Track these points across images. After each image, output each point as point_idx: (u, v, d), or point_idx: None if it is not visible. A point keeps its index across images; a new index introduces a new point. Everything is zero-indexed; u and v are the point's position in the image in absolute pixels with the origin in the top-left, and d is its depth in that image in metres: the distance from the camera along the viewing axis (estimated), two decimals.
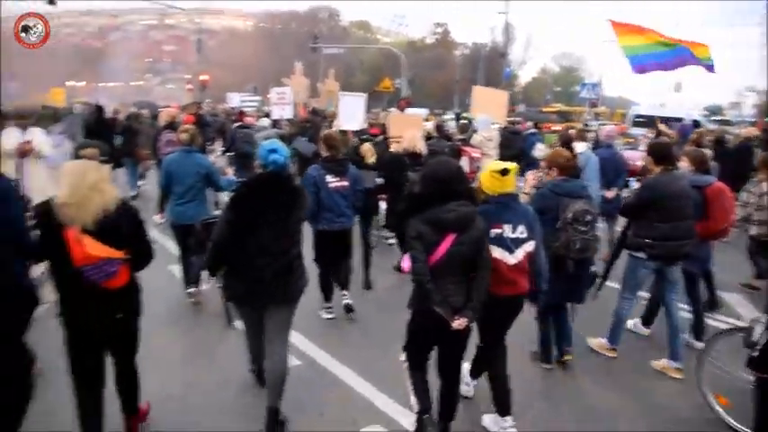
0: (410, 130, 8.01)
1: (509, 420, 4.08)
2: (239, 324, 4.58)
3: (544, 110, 36.88)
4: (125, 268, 3.31)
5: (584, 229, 4.59)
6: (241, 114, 12.43)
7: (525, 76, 66.57)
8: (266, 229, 3.76)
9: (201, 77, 32.49)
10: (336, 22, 63.72)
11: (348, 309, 6.19)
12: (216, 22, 78.88)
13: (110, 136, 11.03)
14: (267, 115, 14.26)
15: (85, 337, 3.41)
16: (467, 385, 4.52)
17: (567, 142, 7.78)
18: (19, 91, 42.62)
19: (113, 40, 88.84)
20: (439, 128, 11.82)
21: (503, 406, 4.10)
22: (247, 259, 3.79)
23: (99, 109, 12.91)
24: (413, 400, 3.85)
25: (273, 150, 3.88)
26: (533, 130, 13.84)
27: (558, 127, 22.14)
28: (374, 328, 6.01)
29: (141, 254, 3.45)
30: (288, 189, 3.91)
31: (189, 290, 6.40)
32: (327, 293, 6.12)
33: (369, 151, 7.58)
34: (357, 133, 9.31)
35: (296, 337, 5.26)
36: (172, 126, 9.51)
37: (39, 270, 3.68)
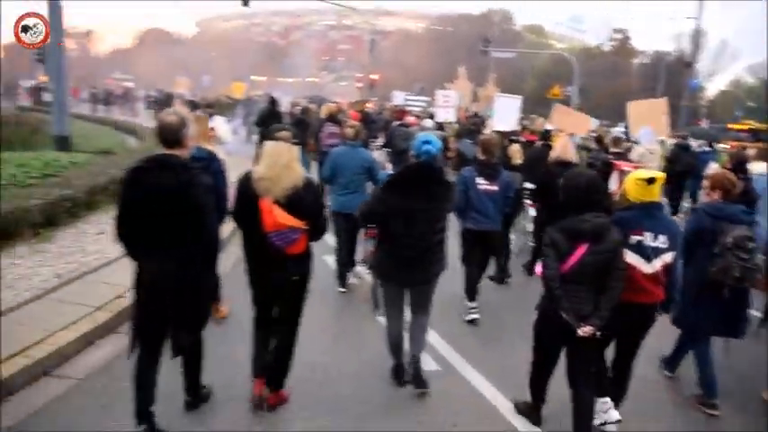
0: (573, 128, 7.81)
1: (609, 402, 4.01)
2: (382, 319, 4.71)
3: (732, 127, 33.25)
4: (304, 237, 3.79)
5: (745, 257, 4.21)
6: (402, 113, 12.70)
7: (713, 88, 60.62)
8: (414, 213, 4.08)
9: (372, 76, 33.62)
10: (509, 25, 62.65)
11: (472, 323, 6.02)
12: (390, 23, 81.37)
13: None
14: (431, 116, 14.57)
15: (265, 292, 3.96)
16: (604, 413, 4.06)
17: (740, 162, 7.19)
18: (210, 83, 47.28)
19: (295, 39, 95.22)
20: (599, 140, 11.20)
21: (602, 387, 4.00)
22: (395, 239, 4.16)
23: (272, 101, 14.13)
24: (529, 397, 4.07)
25: (427, 142, 4.22)
26: (707, 148, 13.16)
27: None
28: (511, 329, 5.80)
29: (318, 227, 3.89)
30: (437, 179, 4.21)
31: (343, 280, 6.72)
32: (471, 294, 6.04)
33: (516, 152, 7.63)
34: (508, 134, 9.33)
35: (434, 338, 5.26)
36: (333, 119, 10.12)
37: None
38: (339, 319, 6.04)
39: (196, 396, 3.96)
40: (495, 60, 42.14)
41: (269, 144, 3.79)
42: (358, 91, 44.27)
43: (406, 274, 4.27)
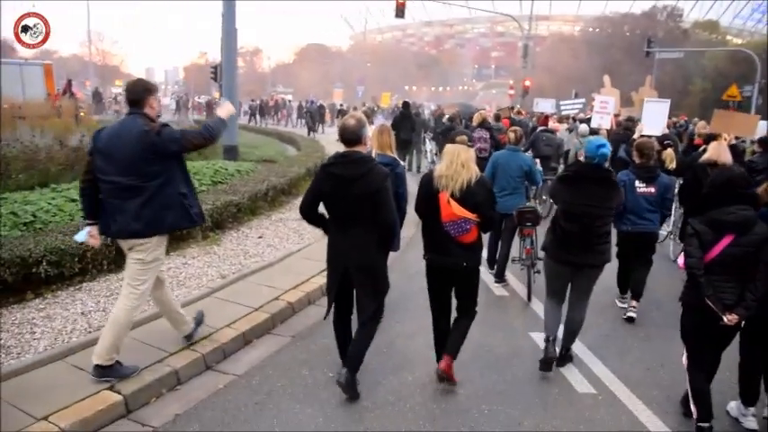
0: (737, 131, 8.27)
1: (751, 410, 4.09)
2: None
3: None
4: (475, 228, 4.22)
5: None
6: (545, 119, 12.91)
7: None
8: (581, 205, 4.57)
9: (525, 83, 32.85)
10: (676, 23, 57.86)
11: (629, 320, 6.10)
12: (544, 28, 79.03)
13: (410, 129, 14.80)
14: (584, 121, 14.54)
15: (440, 277, 4.41)
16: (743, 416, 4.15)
17: None
18: (364, 94, 49.11)
19: (447, 48, 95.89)
20: (765, 143, 10.00)
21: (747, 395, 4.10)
22: (562, 226, 4.67)
23: (405, 105, 15.90)
24: (692, 407, 3.88)
25: (602, 145, 4.67)
26: None
27: None
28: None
29: (488, 219, 4.31)
30: (607, 180, 4.70)
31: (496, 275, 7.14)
32: (624, 288, 6.45)
33: (669, 156, 7.71)
34: (659, 138, 9.07)
35: (582, 352, 5.09)
36: (483, 126, 10.76)
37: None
38: (489, 310, 6.11)
39: (352, 371, 4.23)
40: (660, 61, 39.26)
41: (449, 146, 4.33)
42: (509, 98, 43.50)
43: (573, 256, 4.66)
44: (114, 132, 4.07)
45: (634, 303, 6.13)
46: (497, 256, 7.16)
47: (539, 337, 5.28)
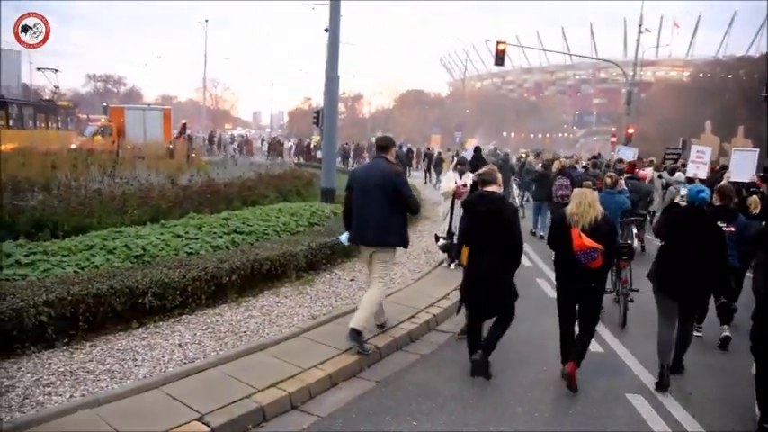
0: None
1: None
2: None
3: None
4: (601, 256, 5.09)
5: None
6: (632, 166, 13.37)
7: None
8: (689, 245, 5.33)
9: (629, 130, 31.72)
10: None
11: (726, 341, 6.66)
12: (650, 74, 76.50)
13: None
14: (675, 170, 15.00)
15: (570, 296, 5.37)
16: None
17: None
18: (462, 139, 49.29)
19: (547, 95, 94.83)
20: None
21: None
22: (673, 263, 5.41)
23: (477, 149, 16.52)
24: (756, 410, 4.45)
25: (702, 191, 5.53)
26: None
27: None
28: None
29: (613, 249, 5.30)
30: (710, 224, 5.45)
31: None
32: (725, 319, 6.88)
33: (753, 202, 8.07)
34: (746, 185, 9.76)
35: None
36: (563, 173, 11.33)
37: None
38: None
39: (487, 353, 5.41)
40: None
41: (577, 190, 5.53)
42: (612, 145, 42.15)
43: (682, 291, 5.38)
44: (366, 170, 6.06)
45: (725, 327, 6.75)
46: None
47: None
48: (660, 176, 13.57)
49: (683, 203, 6.11)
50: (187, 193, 11.32)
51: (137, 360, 5.02)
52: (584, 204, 5.20)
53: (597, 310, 5.42)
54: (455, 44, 74.43)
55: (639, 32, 32.85)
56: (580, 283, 5.22)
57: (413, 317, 6.79)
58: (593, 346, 5.91)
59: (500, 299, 5.34)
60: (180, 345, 5.42)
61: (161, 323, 5.92)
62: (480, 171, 5.55)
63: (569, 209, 5.26)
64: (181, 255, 7.27)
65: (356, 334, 5.52)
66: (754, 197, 8.22)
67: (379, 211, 5.67)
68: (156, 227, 8.52)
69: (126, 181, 11.87)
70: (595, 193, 5.39)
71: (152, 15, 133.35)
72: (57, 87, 32.95)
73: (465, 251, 5.50)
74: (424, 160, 31.25)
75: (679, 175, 13.18)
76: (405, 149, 33.32)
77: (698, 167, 13.65)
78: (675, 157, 19.54)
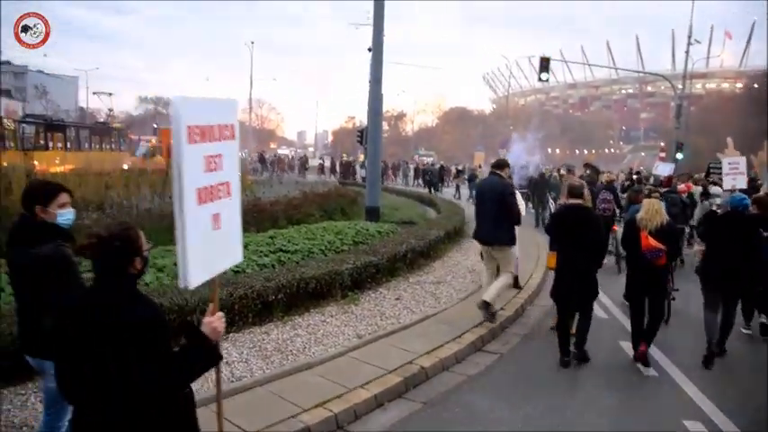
0: None
1: None
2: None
3: None
4: (665, 255, 6.00)
5: None
6: (669, 180, 13.63)
7: None
8: (730, 245, 6.38)
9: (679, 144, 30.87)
10: None
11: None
12: (700, 86, 74.52)
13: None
14: (711, 184, 14.95)
15: (639, 288, 6.35)
16: None
17: None
18: (505, 156, 48.82)
19: (592, 110, 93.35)
20: None
21: None
22: (716, 257, 6.51)
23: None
24: None
25: (743, 199, 6.70)
26: None
27: None
28: None
29: (674, 249, 6.23)
30: (748, 223, 6.50)
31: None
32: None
33: None
34: None
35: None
36: (608, 188, 11.70)
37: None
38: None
39: (579, 351, 6.35)
40: None
41: (646, 200, 6.40)
42: (661, 160, 41.15)
43: (727, 283, 6.43)
44: (485, 183, 7.84)
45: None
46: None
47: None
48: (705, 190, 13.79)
49: (719, 211, 7.66)
50: None
51: None
52: (652, 211, 6.16)
53: (663, 300, 6.45)
54: (498, 61, 74.13)
55: (689, 44, 32.03)
56: (647, 278, 6.18)
57: (459, 337, 6.68)
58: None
59: (587, 294, 6.23)
60: (227, 363, 5.46)
61: None
62: (570, 184, 6.55)
63: (639, 215, 6.21)
64: (228, 273, 7.36)
65: (485, 304, 7.11)
66: None
67: (492, 216, 7.30)
68: None
69: None
70: (660, 202, 6.31)
71: (200, 39, 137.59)
72: (111, 110, 34.29)
73: (552, 256, 6.59)
74: (456, 177, 31.92)
75: (716, 189, 13.46)
76: (437, 166, 35.35)
77: (734, 178, 13.32)
78: (719, 170, 19.16)
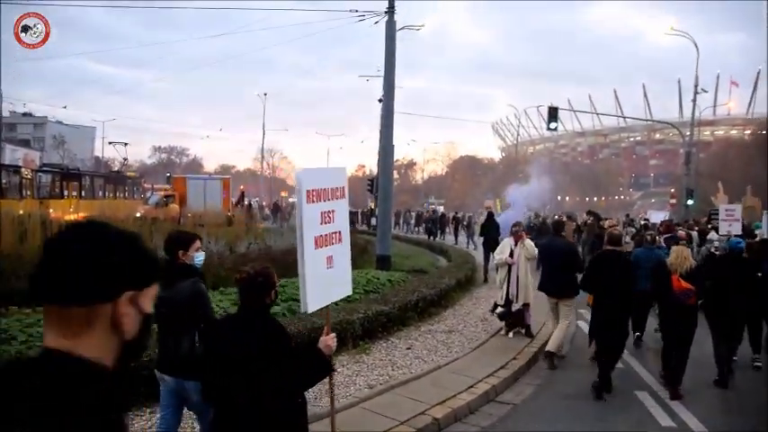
0: None
1: None
2: None
3: None
4: (695, 296, 6.74)
5: None
6: (668, 226, 15.04)
7: None
8: (730, 281, 7.25)
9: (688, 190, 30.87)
10: None
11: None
12: (708, 133, 74.92)
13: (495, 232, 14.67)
14: (716, 229, 15.76)
15: (671, 327, 6.97)
16: None
17: None
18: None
19: (601, 158, 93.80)
20: None
21: None
22: (717, 297, 7.19)
23: (490, 215, 16.28)
24: None
25: (739, 242, 7.99)
26: None
27: None
28: None
29: (701, 290, 6.91)
30: (745, 265, 7.55)
31: None
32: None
33: None
34: None
35: None
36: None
37: None
38: None
39: (602, 385, 6.71)
40: None
41: (675, 247, 7.38)
42: (671, 207, 41.04)
43: (724, 317, 7.20)
44: (549, 243, 8.91)
45: None
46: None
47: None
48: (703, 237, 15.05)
49: (718, 253, 9.33)
50: (245, 260, 11.56)
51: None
52: (681, 257, 6.88)
53: (692, 335, 6.82)
54: (507, 110, 75.06)
55: (696, 93, 32.25)
56: (678, 317, 6.73)
57: (471, 387, 6.61)
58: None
59: (622, 336, 6.98)
60: None
61: None
62: (610, 233, 7.61)
63: (669, 260, 7.01)
64: None
65: (550, 354, 7.86)
66: None
67: (559, 272, 8.23)
68: (216, 293, 8.70)
69: None
70: (687, 250, 7.25)
71: (214, 90, 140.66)
72: (125, 159, 34.90)
73: (591, 297, 7.57)
74: (452, 223, 32.66)
75: (713, 235, 14.71)
76: (438, 213, 37.13)
77: (730, 225, 14.74)
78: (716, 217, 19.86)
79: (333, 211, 3.75)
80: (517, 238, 9.11)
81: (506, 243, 9.30)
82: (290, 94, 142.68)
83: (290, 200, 65.97)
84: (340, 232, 3.86)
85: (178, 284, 3.93)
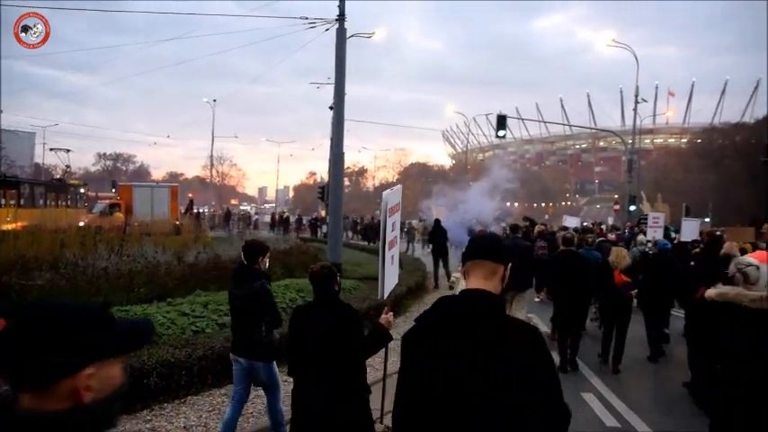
0: None
1: None
2: None
3: None
4: (631, 287, 8.24)
5: None
6: (601, 232, 17.36)
7: None
8: (659, 276, 8.88)
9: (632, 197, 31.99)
10: None
11: None
12: (649, 141, 77.79)
13: (442, 239, 15.74)
14: (644, 233, 17.56)
15: (609, 313, 8.40)
16: None
17: None
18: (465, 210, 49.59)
19: (548, 164, 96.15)
20: None
21: None
22: (648, 287, 8.81)
23: (437, 222, 16.32)
24: None
25: (666, 244, 9.92)
26: None
27: None
28: None
29: (636, 282, 8.43)
30: (671, 263, 9.17)
31: None
32: None
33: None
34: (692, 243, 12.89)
35: None
36: (542, 236, 13.30)
37: None
38: None
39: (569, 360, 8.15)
40: None
41: (614, 248, 8.73)
42: (615, 212, 42.37)
43: (652, 304, 8.93)
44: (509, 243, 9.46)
45: None
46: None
47: None
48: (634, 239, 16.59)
49: (651, 252, 11.30)
50: (193, 270, 11.35)
51: None
52: (620, 256, 8.22)
53: (629, 320, 8.11)
54: (457, 118, 76.04)
55: (636, 102, 33.44)
56: (617, 307, 8.05)
57: None
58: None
59: (582, 318, 8.75)
60: (185, 428, 5.31)
61: (166, 405, 5.82)
62: (563, 236, 9.36)
63: (610, 258, 8.24)
64: (187, 333, 7.22)
65: None
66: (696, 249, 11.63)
67: (516, 268, 8.44)
68: (163, 305, 8.50)
69: (133, 258, 11.90)
70: (624, 250, 8.70)
71: (162, 96, 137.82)
72: (68, 167, 33.70)
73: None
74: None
75: (641, 238, 16.00)
76: (376, 221, 36.71)
77: (655, 231, 17.03)
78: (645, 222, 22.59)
79: (395, 222, 5.04)
80: None
81: None
82: (241, 101, 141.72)
83: (242, 208, 65.11)
84: (396, 238, 5.21)
85: (251, 284, 4.85)
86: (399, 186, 5.52)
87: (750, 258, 4.26)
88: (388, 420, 4.98)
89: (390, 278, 5.01)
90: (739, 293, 3.90)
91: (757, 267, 3.95)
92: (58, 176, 37.55)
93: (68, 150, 32.75)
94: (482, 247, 2.19)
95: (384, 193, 4.74)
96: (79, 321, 1.22)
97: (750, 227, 22.68)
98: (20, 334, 1.15)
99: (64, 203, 30.52)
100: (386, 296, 4.78)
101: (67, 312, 1.23)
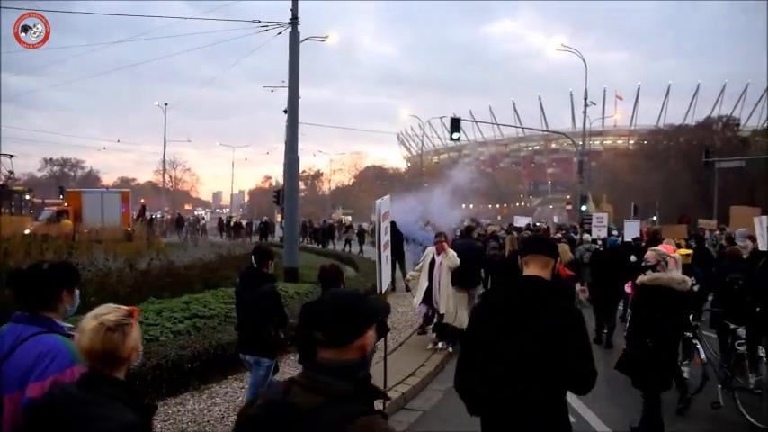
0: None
1: None
2: None
3: None
4: (575, 280, 9.42)
5: None
6: (547, 230, 18.87)
7: None
8: (608, 270, 10.09)
9: (582, 197, 32.84)
10: (734, 132, 57.04)
11: None
12: (598, 143, 79.96)
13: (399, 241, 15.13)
14: (588, 232, 18.79)
15: None
16: None
17: None
18: (422, 212, 49.94)
19: (502, 166, 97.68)
20: None
21: None
22: (597, 280, 10.32)
23: (392, 224, 15.72)
24: None
25: (615, 240, 11.69)
26: None
27: None
28: None
29: (578, 274, 10.17)
30: (619, 257, 10.55)
31: None
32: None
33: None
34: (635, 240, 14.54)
35: None
36: (493, 237, 14.27)
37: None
38: None
39: None
40: (722, 170, 38.61)
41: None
42: (568, 213, 43.38)
43: (603, 297, 10.26)
44: (464, 244, 10.16)
45: None
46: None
47: None
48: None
49: (600, 249, 12.53)
50: (146, 277, 11.12)
51: None
52: (564, 251, 8.85)
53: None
54: (411, 121, 76.52)
55: (585, 105, 34.36)
56: (563, 294, 8.86)
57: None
58: None
59: None
60: None
61: None
62: (521, 236, 10.29)
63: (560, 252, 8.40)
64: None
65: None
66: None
67: (474, 267, 9.67)
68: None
69: (83, 266, 11.56)
70: (566, 246, 10.06)
71: (112, 100, 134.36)
72: (11, 173, 32.49)
73: None
74: (345, 233, 34.20)
75: (587, 237, 16.72)
76: (327, 224, 39.41)
77: (600, 230, 18.89)
78: (590, 222, 24.50)
79: (387, 227, 5.93)
80: (440, 248, 8.99)
81: (429, 252, 9.32)
82: (194, 105, 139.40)
83: (196, 213, 64.00)
84: (388, 241, 6.10)
85: (260, 287, 5.29)
86: (388, 196, 6.70)
87: (662, 249, 5.71)
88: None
89: (385, 275, 6.05)
90: (671, 279, 5.08)
91: (671, 257, 5.43)
92: (1, 183, 36.18)
93: (11, 156, 31.63)
94: (540, 245, 3.14)
95: (377, 201, 5.39)
96: (366, 301, 1.86)
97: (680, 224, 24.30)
98: (336, 309, 1.76)
99: (7, 211, 29.41)
100: (383, 291, 5.68)
101: (361, 296, 1.91)
